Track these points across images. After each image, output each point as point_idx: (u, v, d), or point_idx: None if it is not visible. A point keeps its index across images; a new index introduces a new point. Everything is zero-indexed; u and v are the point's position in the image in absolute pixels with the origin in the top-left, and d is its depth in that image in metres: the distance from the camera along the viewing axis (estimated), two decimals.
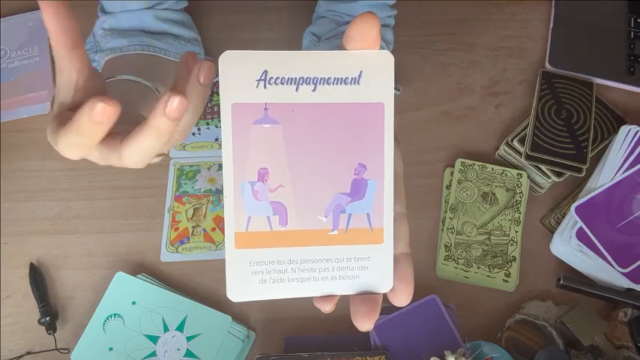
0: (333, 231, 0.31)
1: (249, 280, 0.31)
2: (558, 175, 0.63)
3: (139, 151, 0.35)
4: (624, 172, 0.60)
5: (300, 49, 0.69)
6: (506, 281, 0.59)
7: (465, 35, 0.75)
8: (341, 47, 0.30)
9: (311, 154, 0.30)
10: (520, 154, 0.64)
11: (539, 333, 0.56)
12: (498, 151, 0.66)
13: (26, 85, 0.70)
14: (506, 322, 0.58)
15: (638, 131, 0.61)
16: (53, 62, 0.71)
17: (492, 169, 0.64)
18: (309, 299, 0.32)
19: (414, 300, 0.58)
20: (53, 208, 0.66)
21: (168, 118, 0.31)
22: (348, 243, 0.31)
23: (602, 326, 0.57)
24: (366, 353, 0.55)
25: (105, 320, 0.58)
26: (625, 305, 0.57)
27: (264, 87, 0.29)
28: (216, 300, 0.60)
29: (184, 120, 0.36)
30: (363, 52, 0.30)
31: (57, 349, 0.58)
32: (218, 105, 0.70)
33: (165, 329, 0.57)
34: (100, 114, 0.31)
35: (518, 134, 0.65)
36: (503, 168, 0.64)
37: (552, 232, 0.62)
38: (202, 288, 0.61)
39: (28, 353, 0.59)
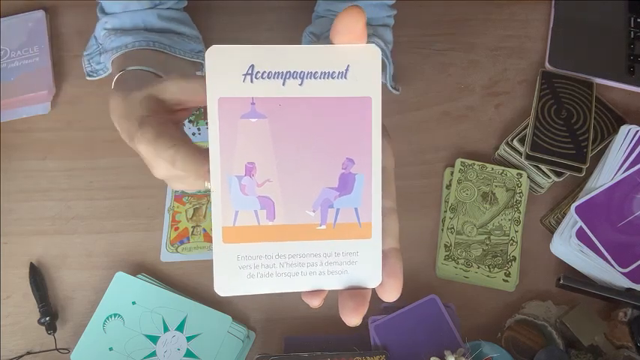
0: (321, 226, 0.31)
1: (237, 275, 0.31)
2: (558, 175, 0.63)
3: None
4: (624, 171, 0.60)
5: None
6: (506, 281, 0.59)
7: (465, 35, 0.75)
8: (329, 41, 0.30)
9: (298, 148, 0.30)
10: (520, 154, 0.64)
11: (539, 333, 0.56)
12: (498, 151, 0.66)
13: (26, 85, 0.70)
14: (506, 322, 0.58)
15: (638, 131, 0.61)
16: (53, 62, 0.72)
17: (492, 169, 0.64)
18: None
19: (414, 300, 0.58)
20: (53, 208, 0.66)
21: None
22: (336, 238, 0.31)
23: (602, 326, 0.57)
24: (366, 353, 0.54)
25: (105, 320, 0.58)
26: (625, 305, 0.57)
27: (251, 81, 0.29)
28: (216, 300, 0.60)
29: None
30: (349, 46, 0.30)
31: (57, 349, 0.58)
32: None
33: (165, 329, 0.57)
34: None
35: (518, 134, 0.65)
36: (503, 168, 0.64)
37: (552, 232, 0.62)
38: (202, 288, 0.61)
39: (28, 353, 0.59)
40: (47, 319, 0.59)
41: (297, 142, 0.30)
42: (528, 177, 0.64)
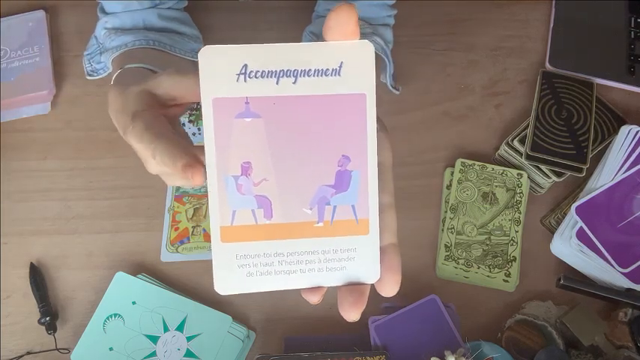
0: (318, 223, 0.31)
1: (236, 274, 0.31)
2: (558, 175, 0.63)
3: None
4: (624, 172, 0.60)
5: None
6: (507, 281, 0.59)
7: (465, 35, 0.75)
8: (322, 39, 0.30)
9: (294, 146, 0.30)
10: (520, 154, 0.64)
11: (539, 333, 0.56)
12: (498, 151, 0.66)
13: (26, 85, 0.70)
14: (506, 322, 0.58)
15: (638, 131, 0.61)
16: (53, 62, 0.72)
17: (492, 169, 0.64)
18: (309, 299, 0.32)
19: (414, 300, 0.58)
20: (53, 208, 0.66)
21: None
22: (333, 235, 0.31)
23: (602, 326, 0.57)
24: (366, 353, 0.54)
25: (105, 320, 0.58)
26: (625, 305, 0.57)
27: (245, 81, 0.29)
28: (216, 300, 0.60)
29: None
30: (343, 42, 0.30)
31: (57, 349, 0.58)
32: None
33: (166, 329, 0.57)
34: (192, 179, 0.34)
35: (519, 134, 0.65)
36: (503, 168, 0.64)
37: (552, 232, 0.62)
38: (202, 288, 0.61)
39: (28, 353, 0.59)
40: (47, 319, 0.59)
41: (292, 141, 0.30)
42: (528, 177, 0.64)
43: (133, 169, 0.67)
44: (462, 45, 0.74)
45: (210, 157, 0.30)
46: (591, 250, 0.57)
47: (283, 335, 0.59)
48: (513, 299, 0.60)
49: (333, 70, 0.30)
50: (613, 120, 0.68)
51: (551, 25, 0.74)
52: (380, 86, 0.65)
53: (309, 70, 0.30)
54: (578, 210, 0.59)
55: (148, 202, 0.65)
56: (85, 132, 0.70)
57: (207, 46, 0.29)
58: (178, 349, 0.57)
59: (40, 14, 0.75)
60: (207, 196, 0.65)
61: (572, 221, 0.59)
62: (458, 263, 0.60)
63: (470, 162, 0.64)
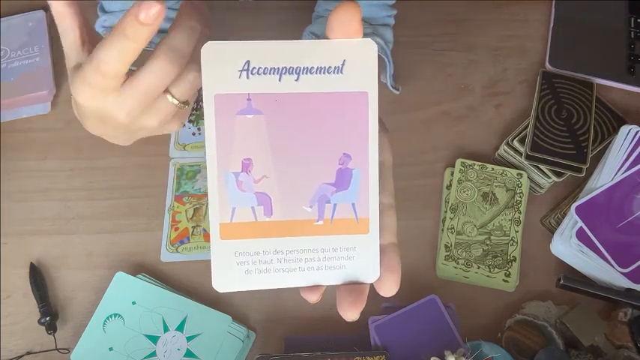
0: (318, 221, 0.31)
1: (234, 271, 0.31)
2: (558, 175, 0.63)
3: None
4: (624, 172, 0.60)
5: None
6: (507, 281, 0.59)
7: (465, 35, 0.75)
8: (325, 37, 0.30)
9: (295, 144, 0.30)
10: (520, 154, 0.64)
11: (539, 333, 0.56)
12: (498, 151, 0.66)
13: (26, 85, 0.70)
14: (506, 322, 0.58)
15: (638, 131, 0.61)
16: (53, 62, 0.72)
17: (492, 169, 0.64)
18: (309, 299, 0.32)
19: (414, 300, 0.58)
20: (53, 208, 0.66)
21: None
22: (333, 233, 0.31)
23: (602, 326, 0.57)
24: (366, 353, 0.54)
25: (105, 320, 0.58)
26: (625, 305, 0.57)
27: (247, 77, 0.29)
28: (216, 300, 0.60)
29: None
30: (345, 40, 0.30)
31: (57, 349, 0.58)
32: None
33: (165, 329, 0.57)
34: (147, 13, 0.32)
35: (519, 134, 0.65)
36: (503, 168, 0.64)
37: (552, 232, 0.61)
38: (202, 288, 0.61)
39: (28, 353, 0.59)
40: (47, 319, 0.59)
41: (293, 138, 0.30)
42: (528, 177, 0.64)
43: (133, 169, 0.67)
44: (462, 45, 0.74)
45: (210, 153, 0.30)
46: (591, 250, 0.57)
47: (283, 335, 0.59)
48: (513, 299, 0.60)
49: (335, 67, 0.30)
50: (613, 120, 0.68)
51: (551, 25, 0.74)
52: (380, 86, 0.65)
53: (312, 67, 0.30)
54: (578, 210, 0.59)
55: (148, 202, 0.65)
56: (85, 132, 0.68)
57: (209, 42, 0.29)
58: (178, 349, 0.57)
59: (40, 14, 0.75)
60: (207, 196, 0.65)
61: (572, 221, 0.59)
62: (458, 263, 0.60)
63: (470, 162, 0.64)
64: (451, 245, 0.61)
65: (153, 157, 0.67)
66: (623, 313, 0.57)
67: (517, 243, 0.61)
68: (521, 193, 0.63)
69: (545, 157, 0.63)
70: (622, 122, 0.67)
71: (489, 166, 0.64)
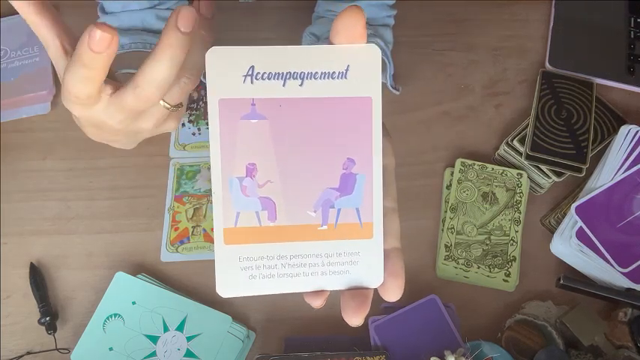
0: (322, 226, 0.31)
1: (238, 276, 0.31)
2: (558, 175, 0.63)
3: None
4: (624, 172, 0.60)
5: None
6: (506, 281, 0.59)
7: (465, 35, 0.75)
8: (329, 42, 0.30)
9: (299, 149, 0.30)
10: (520, 154, 0.64)
11: (539, 333, 0.56)
12: (498, 151, 0.66)
13: (26, 85, 0.70)
14: (506, 322, 0.58)
15: (638, 131, 0.61)
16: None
17: (492, 169, 0.64)
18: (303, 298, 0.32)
19: (414, 300, 0.58)
20: (53, 208, 0.66)
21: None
22: (337, 238, 0.31)
23: (602, 326, 0.57)
24: (366, 353, 0.54)
25: (105, 320, 0.58)
26: (625, 305, 0.57)
27: (251, 82, 0.29)
28: (216, 300, 0.60)
29: (164, 74, 0.36)
30: (349, 46, 0.30)
31: (57, 349, 0.58)
32: None
33: (165, 329, 0.57)
34: (98, 43, 0.31)
35: (519, 134, 0.65)
36: (503, 168, 0.64)
37: (552, 232, 0.61)
38: (202, 288, 0.61)
39: (28, 353, 0.59)
40: (47, 319, 0.59)
41: (297, 143, 0.30)
42: (528, 177, 0.64)
43: (133, 169, 0.67)
44: (462, 45, 0.74)
45: (215, 158, 0.30)
46: (591, 250, 0.57)
47: (283, 335, 0.59)
48: (513, 299, 0.60)
49: (339, 73, 0.30)
50: (613, 120, 0.68)
51: (551, 25, 0.74)
52: None
53: (316, 72, 0.30)
54: (577, 210, 0.59)
55: (148, 202, 0.65)
56: None
57: (214, 47, 0.29)
58: (178, 349, 0.57)
59: None
60: (207, 196, 0.65)
61: (572, 221, 0.59)
62: (458, 263, 0.60)
63: (470, 162, 0.64)
64: (451, 245, 0.61)
65: (153, 157, 0.67)
66: (623, 313, 0.57)
67: (517, 243, 0.61)
68: (521, 193, 0.63)
69: (545, 157, 0.63)
70: (622, 122, 0.67)
71: (489, 166, 0.64)
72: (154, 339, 0.57)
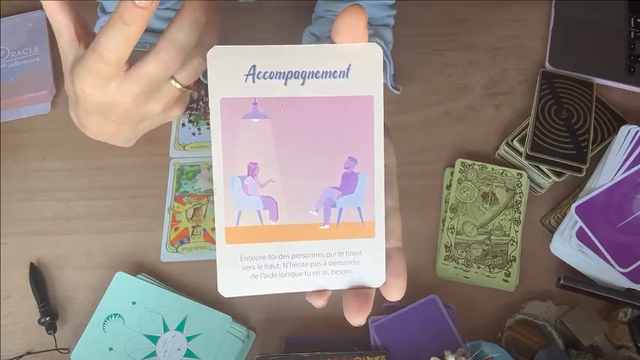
0: (324, 225, 0.31)
1: (240, 276, 0.31)
2: (558, 175, 0.63)
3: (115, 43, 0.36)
4: (624, 172, 0.60)
5: None
6: (506, 281, 0.59)
7: (465, 35, 0.75)
8: (330, 41, 0.30)
9: (301, 148, 0.30)
10: (520, 154, 0.64)
11: (539, 333, 0.56)
12: (498, 151, 0.66)
13: (26, 85, 0.70)
14: (506, 322, 0.58)
15: (638, 131, 0.61)
16: (53, 62, 0.72)
17: (492, 169, 0.64)
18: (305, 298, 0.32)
19: (414, 300, 0.58)
20: (53, 208, 0.66)
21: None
22: (339, 237, 0.31)
23: (602, 326, 0.57)
24: (366, 353, 0.55)
25: (105, 320, 0.58)
26: (625, 305, 0.57)
27: (253, 81, 0.29)
28: (216, 300, 0.60)
29: (186, 36, 0.37)
30: (351, 45, 0.30)
31: (57, 349, 0.58)
32: None
33: (165, 329, 0.57)
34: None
35: (519, 134, 0.65)
36: (503, 168, 0.64)
37: (552, 232, 0.62)
38: (202, 288, 0.61)
39: (28, 353, 0.59)
40: (47, 319, 0.59)
41: (299, 142, 0.30)
42: (528, 177, 0.64)
43: (133, 169, 0.67)
44: (462, 45, 0.74)
45: (217, 157, 0.30)
46: (591, 250, 0.57)
47: (283, 335, 0.59)
48: (513, 299, 0.60)
49: (341, 72, 0.30)
50: (613, 120, 0.68)
51: (551, 25, 0.74)
52: None
53: (318, 71, 0.30)
54: (578, 210, 0.59)
55: (148, 202, 0.65)
56: None
57: (216, 47, 0.29)
58: (178, 349, 0.57)
59: (40, 14, 0.75)
60: (207, 196, 0.65)
61: (572, 221, 0.59)
62: (458, 263, 0.60)
63: (470, 162, 0.64)
64: (451, 245, 0.61)
65: (153, 157, 0.67)
66: (623, 313, 0.57)
67: (517, 243, 0.61)
68: (521, 193, 0.63)
69: (545, 157, 0.63)
70: (622, 122, 0.67)
71: (489, 166, 0.64)
72: (154, 339, 0.57)
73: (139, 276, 0.60)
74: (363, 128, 0.30)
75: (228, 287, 0.31)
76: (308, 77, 0.30)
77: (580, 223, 0.58)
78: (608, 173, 0.60)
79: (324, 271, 0.31)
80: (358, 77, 0.30)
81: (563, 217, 0.61)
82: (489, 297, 0.61)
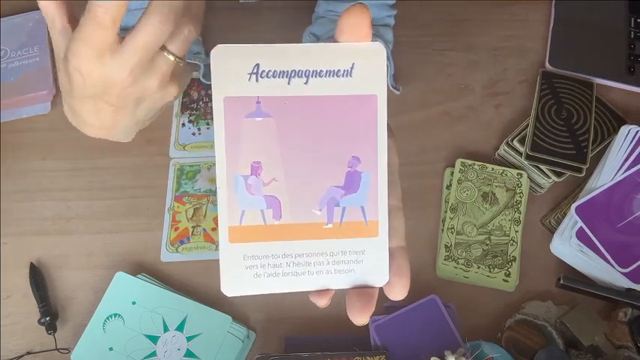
0: (327, 224, 0.31)
1: (243, 275, 0.30)
2: (558, 175, 0.63)
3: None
4: (624, 172, 0.60)
5: None
6: (506, 281, 0.59)
7: (465, 35, 0.75)
8: (334, 40, 0.30)
9: (304, 147, 0.30)
10: (520, 154, 0.64)
11: (540, 333, 0.56)
12: (498, 151, 0.66)
13: (26, 85, 0.70)
14: (506, 322, 0.58)
15: (638, 131, 0.61)
16: (53, 62, 0.72)
17: (492, 169, 0.64)
18: (308, 298, 0.32)
19: (414, 300, 0.58)
20: (53, 208, 0.66)
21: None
22: (342, 236, 0.31)
23: (602, 326, 0.57)
24: (366, 353, 0.55)
25: (105, 320, 0.58)
26: (625, 305, 0.57)
27: (256, 80, 0.29)
28: (216, 300, 0.60)
29: None
30: (354, 44, 0.30)
31: (57, 349, 0.58)
32: None
33: (165, 329, 0.57)
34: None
35: (519, 134, 0.65)
36: (503, 168, 0.64)
37: (552, 232, 0.62)
38: (202, 288, 0.61)
39: (28, 353, 0.59)
40: (47, 319, 0.59)
41: (302, 141, 0.30)
42: (528, 177, 0.64)
43: (133, 169, 0.67)
44: (462, 45, 0.74)
45: (220, 156, 0.30)
46: (591, 250, 0.57)
47: (283, 335, 0.59)
48: (513, 299, 0.60)
49: (344, 71, 0.30)
50: (613, 120, 0.68)
51: (551, 25, 0.74)
52: None
53: (321, 70, 0.30)
54: (578, 210, 0.59)
55: (148, 202, 0.65)
56: None
57: (219, 45, 0.29)
58: (178, 349, 0.57)
59: (40, 14, 0.74)
60: (207, 196, 0.65)
61: (572, 221, 0.59)
62: (458, 263, 0.60)
63: (470, 162, 0.64)
64: (451, 245, 0.61)
65: (153, 157, 0.67)
66: (623, 313, 0.57)
67: (517, 243, 0.61)
68: (521, 193, 0.63)
69: (545, 157, 0.63)
70: (622, 122, 0.67)
71: (489, 166, 0.64)
72: (154, 339, 0.57)
73: (139, 276, 0.60)
74: (367, 127, 0.30)
75: (231, 286, 0.30)
76: (312, 76, 0.30)
77: (580, 223, 0.58)
78: (608, 173, 0.60)
79: (328, 270, 0.31)
80: (362, 76, 0.30)
81: (563, 217, 0.61)
82: (489, 297, 0.61)
